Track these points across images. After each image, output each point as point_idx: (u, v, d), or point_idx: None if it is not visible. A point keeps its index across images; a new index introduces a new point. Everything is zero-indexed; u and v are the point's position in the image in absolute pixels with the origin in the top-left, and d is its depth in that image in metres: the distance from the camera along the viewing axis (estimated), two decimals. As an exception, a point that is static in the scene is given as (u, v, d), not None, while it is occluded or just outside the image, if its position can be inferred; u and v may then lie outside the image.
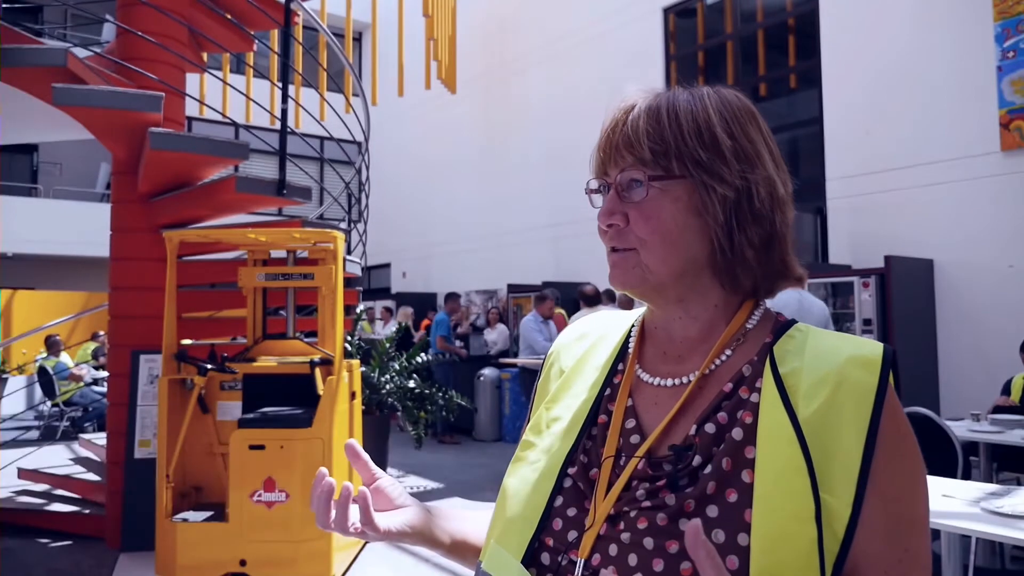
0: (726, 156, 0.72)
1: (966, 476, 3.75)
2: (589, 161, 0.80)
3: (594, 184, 0.80)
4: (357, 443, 0.80)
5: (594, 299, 6.90)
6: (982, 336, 5.69)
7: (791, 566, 0.61)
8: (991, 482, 4.19)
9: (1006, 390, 4.91)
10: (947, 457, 3.74)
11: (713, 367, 0.74)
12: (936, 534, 3.66)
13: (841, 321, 5.96)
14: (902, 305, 5.71)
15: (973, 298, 5.85)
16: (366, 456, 0.81)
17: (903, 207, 6.34)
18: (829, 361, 0.68)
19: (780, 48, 8.09)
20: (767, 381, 0.69)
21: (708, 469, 0.67)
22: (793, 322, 0.76)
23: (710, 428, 0.69)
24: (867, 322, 5.69)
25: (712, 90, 0.76)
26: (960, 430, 4.14)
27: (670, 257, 0.73)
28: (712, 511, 0.65)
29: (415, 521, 0.81)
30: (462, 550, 0.87)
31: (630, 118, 0.74)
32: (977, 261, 5.84)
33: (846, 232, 6.81)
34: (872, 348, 0.68)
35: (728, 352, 0.74)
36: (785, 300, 4.80)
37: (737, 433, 0.68)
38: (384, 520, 0.78)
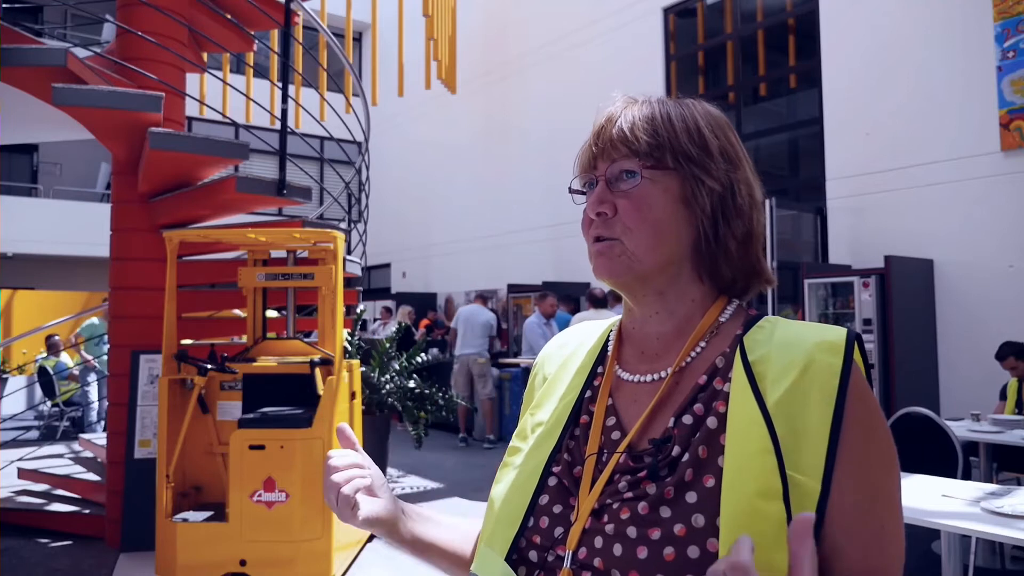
0: (714, 155, 0.77)
1: (966, 476, 3.75)
2: (574, 163, 0.82)
3: (577, 184, 0.82)
4: (348, 427, 0.87)
5: (602, 302, 6.95)
6: (982, 336, 5.68)
7: (759, 543, 0.61)
8: (991, 482, 4.20)
9: (1003, 395, 4.92)
10: (947, 457, 3.74)
11: (688, 360, 0.76)
12: (936, 534, 3.66)
13: (841, 321, 5.95)
14: (902, 305, 5.70)
15: (973, 298, 5.85)
16: (355, 440, 0.86)
17: (903, 207, 6.34)
18: (795, 347, 0.70)
19: (780, 48, 8.09)
20: (737, 369, 0.71)
21: (686, 457, 0.69)
22: (763, 315, 0.78)
23: (687, 420, 0.71)
24: (867, 322, 5.68)
25: (694, 101, 0.81)
26: (960, 430, 4.14)
27: (657, 245, 0.75)
28: (691, 497, 0.66)
29: (382, 512, 0.84)
30: (422, 549, 0.89)
31: (624, 115, 0.78)
32: (977, 261, 5.84)
33: (846, 232, 6.81)
34: (836, 333, 0.71)
35: (702, 345, 0.77)
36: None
37: (712, 422, 0.70)
38: (362, 504, 0.82)
